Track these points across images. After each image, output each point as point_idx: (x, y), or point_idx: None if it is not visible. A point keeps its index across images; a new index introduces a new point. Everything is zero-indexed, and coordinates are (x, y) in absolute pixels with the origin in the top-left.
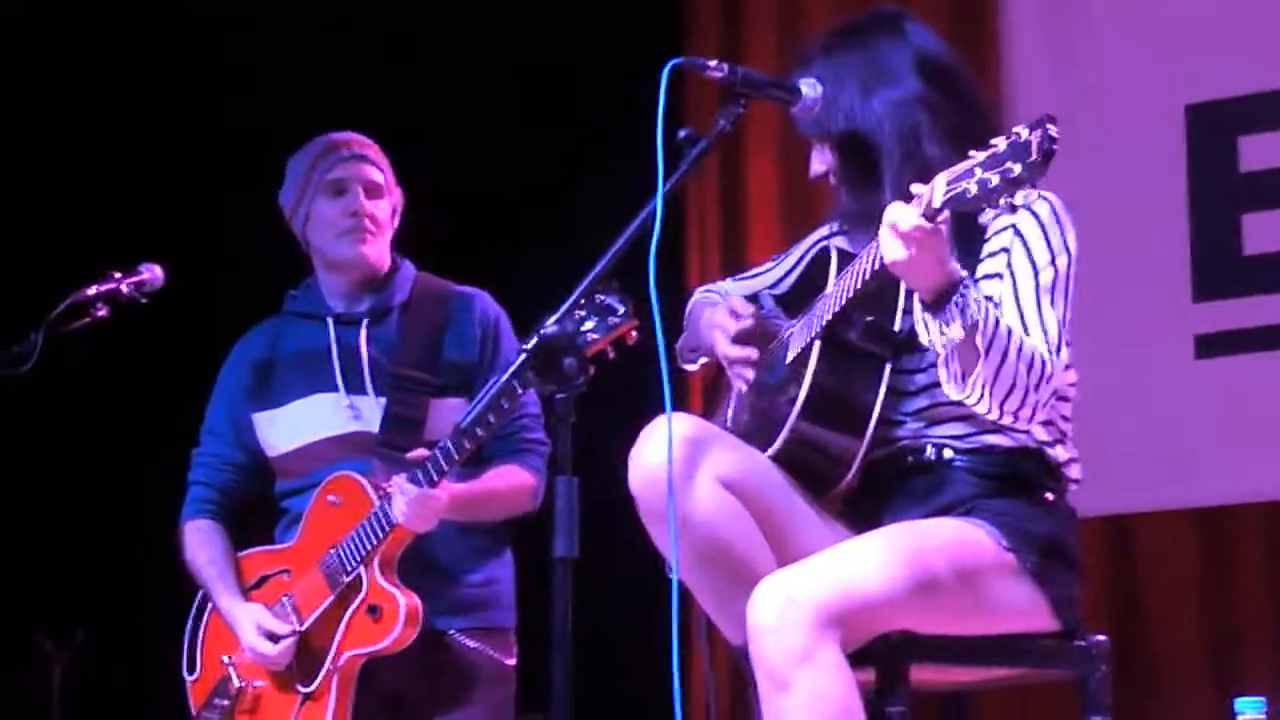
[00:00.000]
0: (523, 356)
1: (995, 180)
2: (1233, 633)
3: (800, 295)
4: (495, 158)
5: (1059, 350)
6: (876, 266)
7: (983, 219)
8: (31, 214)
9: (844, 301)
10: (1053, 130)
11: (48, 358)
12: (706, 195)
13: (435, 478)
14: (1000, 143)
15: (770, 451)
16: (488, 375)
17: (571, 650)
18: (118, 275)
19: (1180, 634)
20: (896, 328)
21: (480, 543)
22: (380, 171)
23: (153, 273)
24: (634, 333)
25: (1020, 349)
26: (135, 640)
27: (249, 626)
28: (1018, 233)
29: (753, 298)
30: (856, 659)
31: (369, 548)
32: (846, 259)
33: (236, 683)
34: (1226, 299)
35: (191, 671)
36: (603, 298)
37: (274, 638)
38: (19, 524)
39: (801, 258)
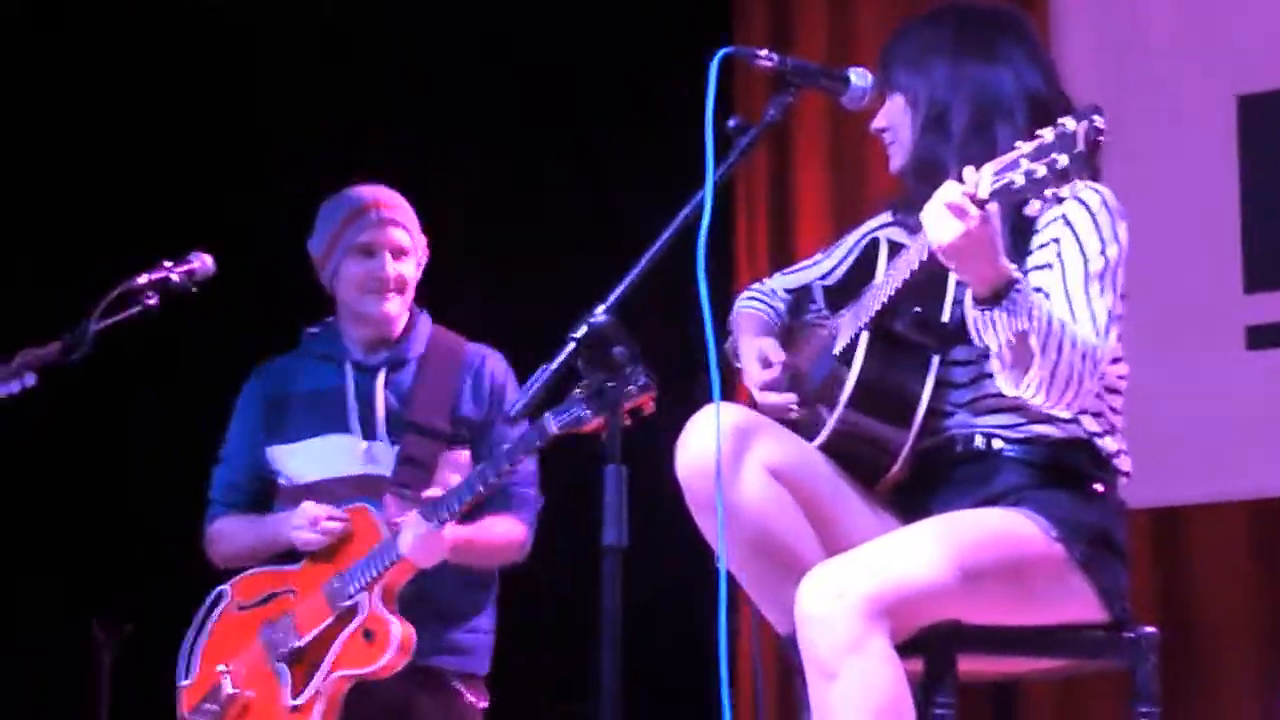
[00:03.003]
0: (570, 344)
1: (1042, 171)
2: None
3: (850, 286)
4: (541, 147)
5: (1106, 336)
6: (925, 257)
7: (1029, 210)
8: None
9: (893, 293)
10: (1099, 121)
11: (99, 346)
12: (755, 189)
13: (444, 518)
14: (1047, 133)
15: (818, 441)
16: (491, 429)
17: (621, 638)
18: (168, 264)
19: (1229, 626)
20: (945, 319)
21: (475, 595)
22: (407, 233)
23: (203, 261)
24: (652, 404)
25: (1075, 342)
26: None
27: (299, 520)
28: (1068, 222)
29: (804, 290)
30: (904, 649)
31: (373, 575)
32: (896, 250)
33: (228, 689)
34: (1278, 290)
35: (186, 677)
36: (627, 367)
37: (328, 520)
38: (77, 513)
39: (852, 248)
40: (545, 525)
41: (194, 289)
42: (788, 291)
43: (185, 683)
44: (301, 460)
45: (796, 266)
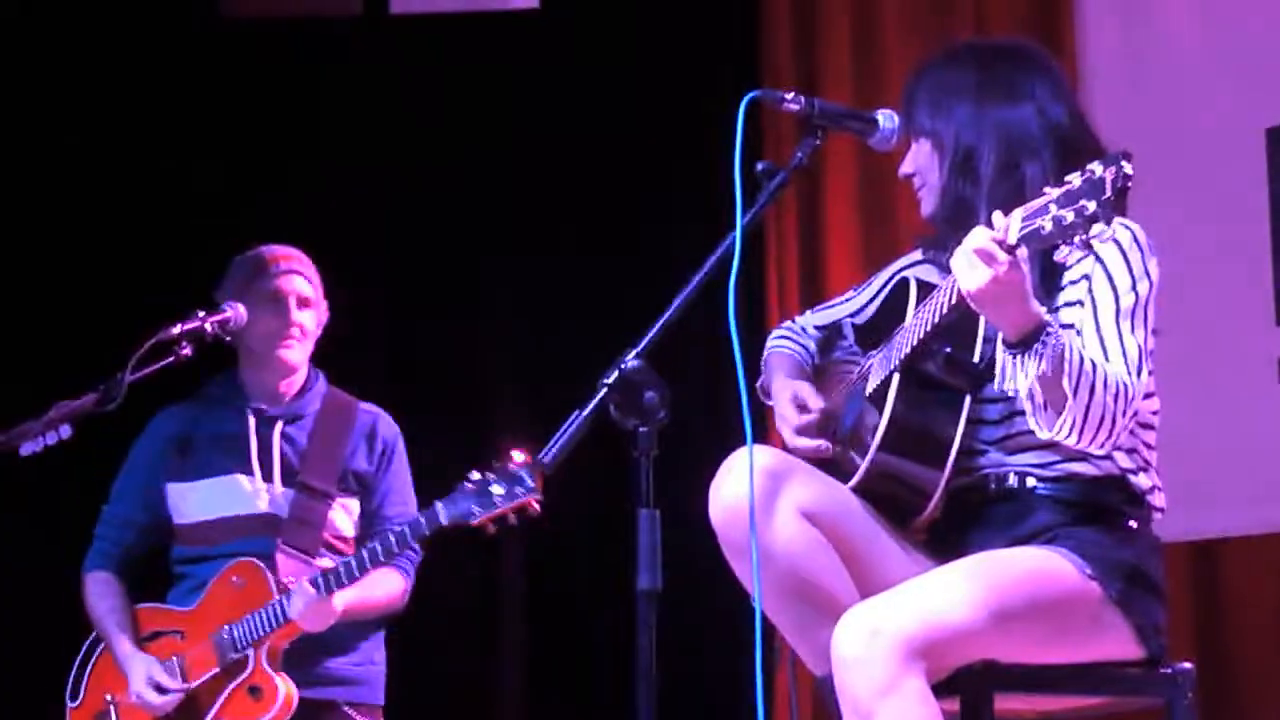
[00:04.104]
0: (602, 390)
1: (1070, 217)
2: None
3: (880, 325)
4: (573, 189)
5: (1139, 373)
6: (954, 300)
7: (1058, 256)
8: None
9: (923, 334)
10: (1127, 167)
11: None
12: (786, 228)
13: (335, 588)
14: (1075, 179)
15: (851, 483)
16: (379, 484)
17: (656, 682)
18: (201, 314)
19: (1268, 659)
20: (976, 358)
21: (362, 629)
22: (310, 285)
23: (236, 311)
24: (536, 505)
25: (1106, 381)
26: None
27: (141, 674)
28: (1098, 259)
29: (834, 328)
30: (941, 689)
31: (261, 634)
32: (926, 290)
33: None
34: None
35: (74, 699)
36: (515, 468)
37: (161, 690)
38: None
39: (883, 287)
40: (579, 566)
41: (227, 339)
42: (818, 329)
43: (72, 705)
44: (201, 499)
45: (828, 304)
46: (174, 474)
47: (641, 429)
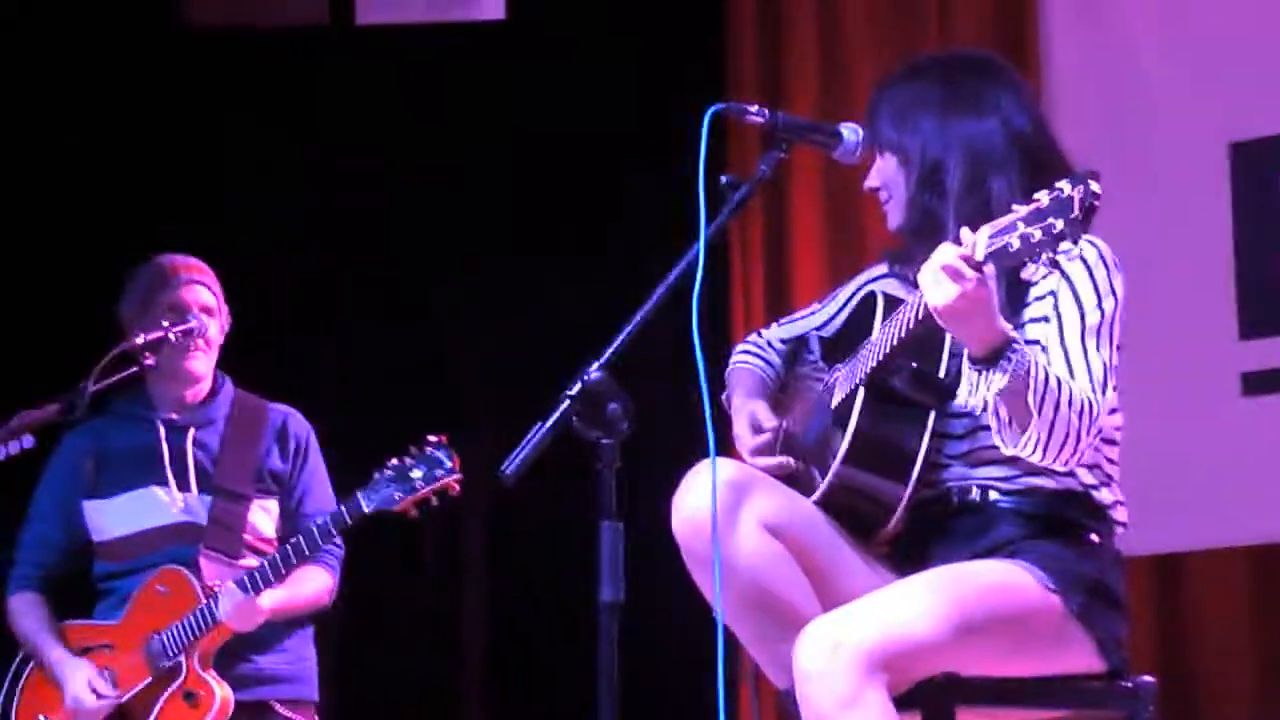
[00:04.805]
0: (565, 401)
1: (1038, 235)
2: None
3: (846, 339)
4: (538, 199)
5: (1104, 390)
6: (921, 315)
7: (1024, 274)
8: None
9: (889, 349)
10: (1095, 186)
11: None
12: (751, 239)
13: (261, 586)
14: (1043, 197)
15: (814, 497)
16: (296, 482)
17: (619, 694)
18: (165, 324)
19: (1229, 673)
20: (942, 373)
21: (286, 626)
22: (213, 295)
23: (200, 321)
24: (457, 485)
25: (1070, 399)
26: None
27: (80, 678)
28: (1065, 275)
29: (800, 341)
30: (902, 702)
31: (191, 639)
32: (892, 304)
33: None
34: (1273, 336)
35: None
36: (432, 450)
37: (98, 694)
38: None
39: (848, 300)
40: (541, 579)
41: (190, 348)
42: (783, 342)
43: None
44: (119, 514)
45: (793, 316)
46: (89, 491)
47: (604, 441)
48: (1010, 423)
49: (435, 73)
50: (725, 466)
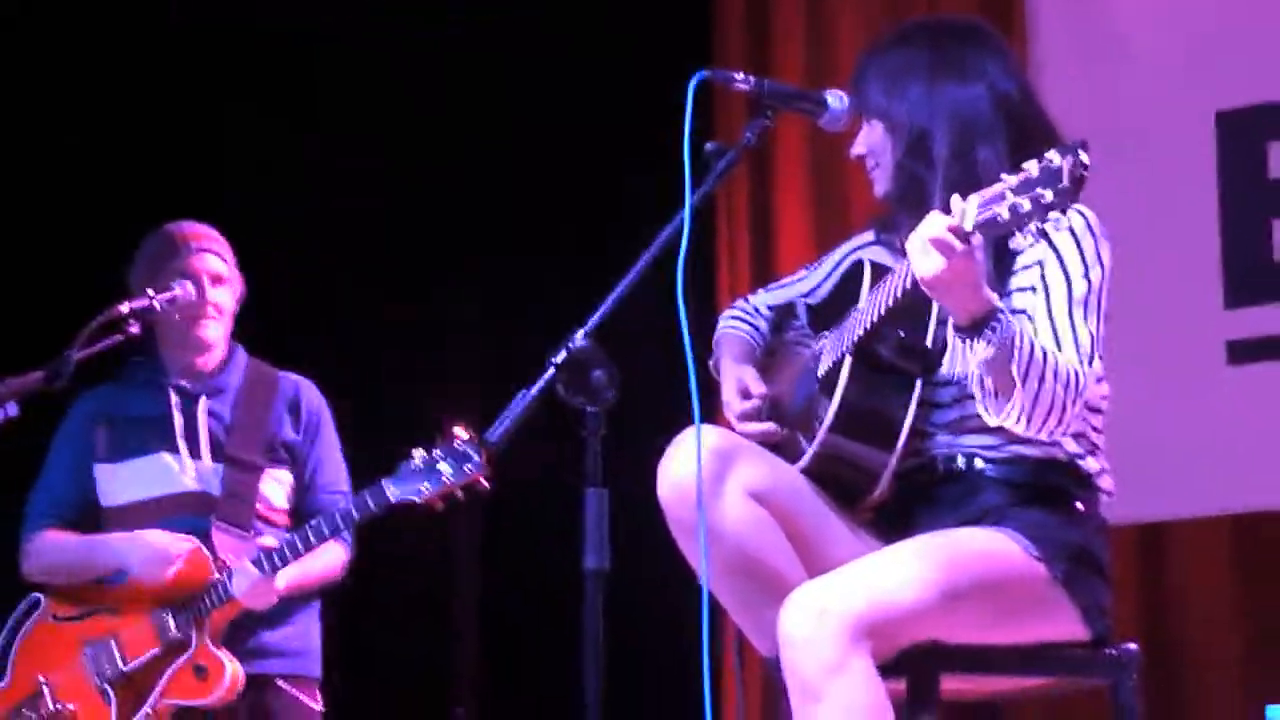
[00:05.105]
0: (550, 369)
1: (1026, 205)
2: (1266, 640)
3: (833, 306)
4: (523, 173)
5: (1091, 361)
6: (909, 285)
7: (1013, 243)
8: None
9: (876, 317)
10: (1085, 157)
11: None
12: (736, 207)
13: (278, 565)
14: (1032, 167)
15: (800, 465)
16: (309, 454)
17: (604, 661)
18: (150, 292)
19: (1213, 642)
20: (929, 341)
21: (294, 602)
22: (223, 262)
23: (184, 289)
24: (485, 481)
25: (1056, 369)
26: None
27: (146, 542)
28: (1051, 245)
29: (787, 308)
30: (887, 669)
31: (203, 612)
32: (880, 272)
33: (50, 704)
34: (1258, 305)
35: (1, 679)
36: (461, 445)
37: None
38: None
39: (835, 267)
40: (527, 547)
41: (176, 317)
42: (770, 309)
43: (0, 685)
44: (129, 480)
45: (780, 283)
46: (100, 455)
47: (589, 408)
48: (995, 393)
49: (433, 65)
50: (710, 434)
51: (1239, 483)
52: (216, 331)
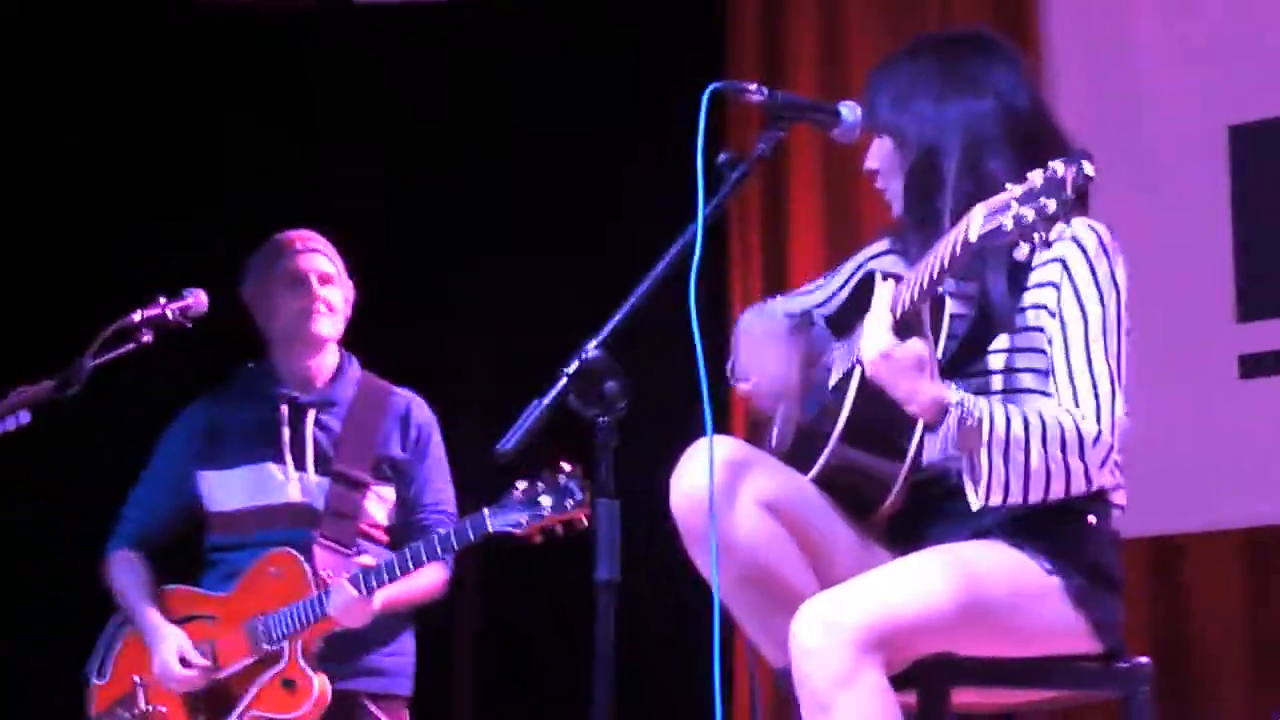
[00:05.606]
0: (562, 379)
1: (1031, 216)
2: (1276, 653)
3: (846, 317)
4: (534, 179)
5: (1112, 405)
6: (916, 295)
7: (1018, 254)
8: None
9: None
10: (1088, 168)
11: (92, 382)
12: (749, 217)
13: (375, 586)
14: (1036, 177)
15: (811, 475)
16: (415, 471)
17: (614, 673)
18: (163, 300)
19: (1224, 655)
20: (940, 354)
21: (390, 619)
22: (331, 263)
23: (197, 298)
24: (585, 519)
25: (1046, 436)
26: None
27: (168, 647)
28: (1065, 268)
29: (805, 316)
30: (898, 681)
31: (297, 628)
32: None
33: (143, 704)
34: (1271, 319)
35: (101, 677)
36: (565, 480)
37: (186, 664)
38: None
39: (848, 279)
40: (539, 557)
41: (189, 325)
42: (788, 315)
43: (98, 682)
44: (234, 487)
45: (797, 292)
46: (205, 461)
47: (602, 419)
48: (972, 474)
49: (432, 60)
50: (723, 445)
51: (1251, 496)
52: (328, 327)
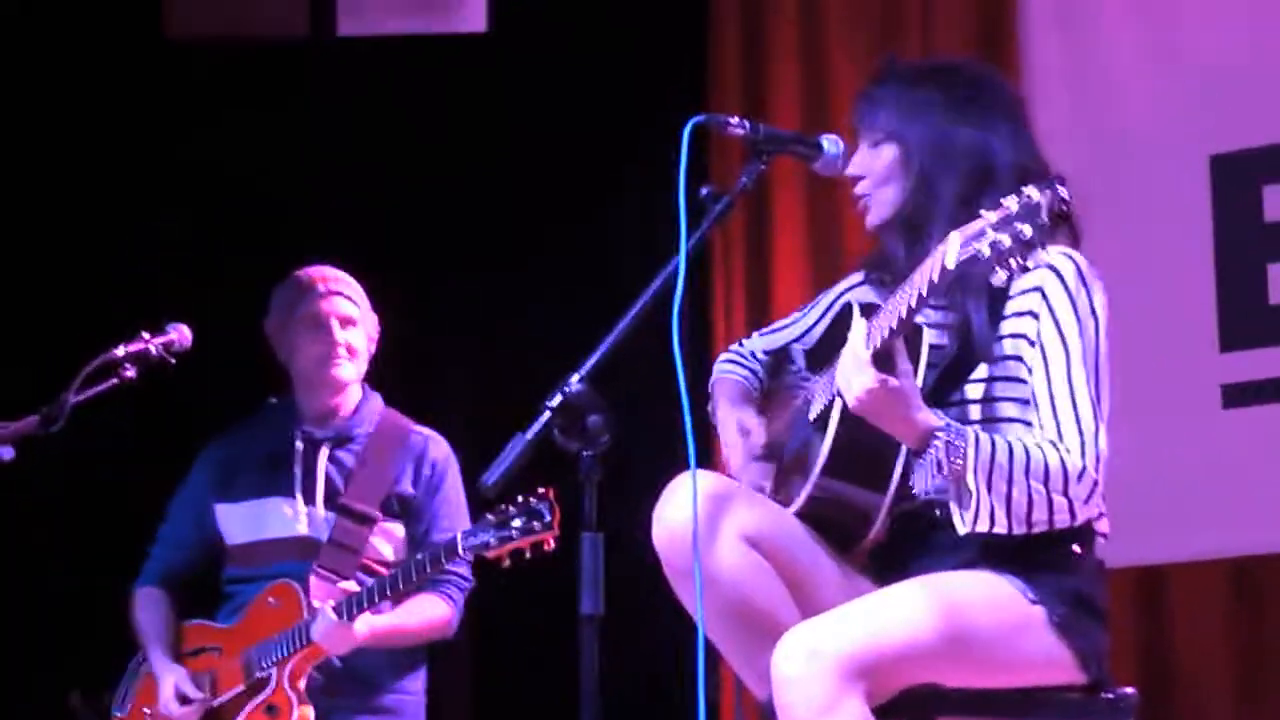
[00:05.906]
0: (545, 413)
1: (1007, 242)
2: (1263, 683)
3: (825, 349)
4: (519, 211)
5: (1096, 439)
6: (895, 325)
7: (995, 280)
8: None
9: None
10: (1064, 192)
11: (74, 418)
12: (733, 249)
13: (356, 612)
14: (1011, 202)
15: (794, 508)
16: (424, 509)
17: (601, 708)
18: (146, 335)
19: (1210, 685)
20: (920, 382)
21: (398, 657)
22: (354, 304)
23: (180, 333)
24: (553, 541)
25: (1030, 467)
26: None
27: (168, 684)
28: (1045, 298)
29: (783, 352)
30: (882, 712)
31: (285, 654)
32: (868, 312)
33: None
34: (1253, 349)
35: (122, 709)
36: (535, 503)
37: (185, 700)
38: (57, 584)
39: (826, 310)
40: (522, 591)
41: (172, 360)
42: (766, 353)
43: (120, 714)
44: (244, 520)
45: (774, 326)
46: (222, 494)
47: (585, 452)
48: (959, 501)
49: (418, 83)
50: (705, 478)
51: (1236, 525)
52: (349, 371)
